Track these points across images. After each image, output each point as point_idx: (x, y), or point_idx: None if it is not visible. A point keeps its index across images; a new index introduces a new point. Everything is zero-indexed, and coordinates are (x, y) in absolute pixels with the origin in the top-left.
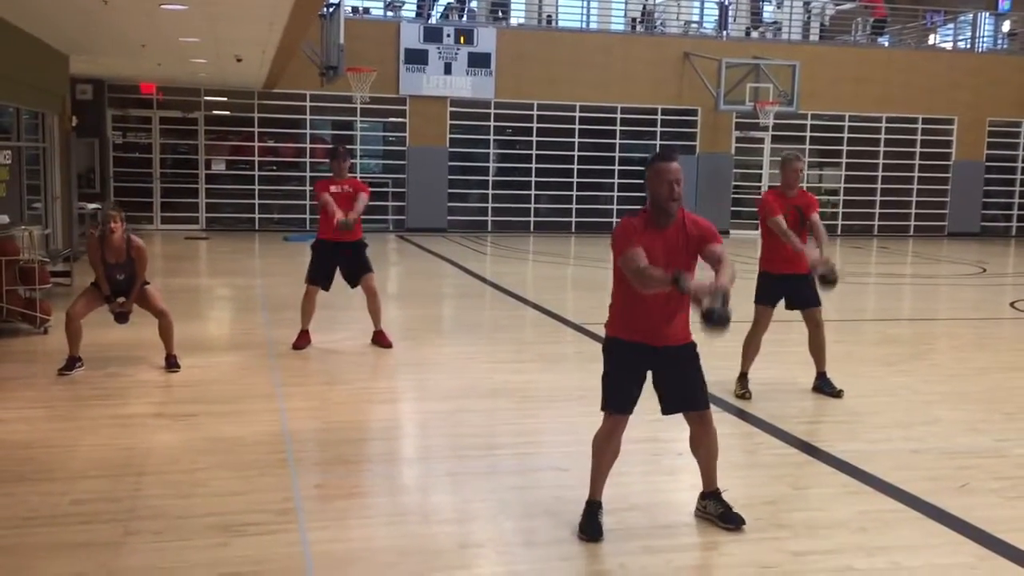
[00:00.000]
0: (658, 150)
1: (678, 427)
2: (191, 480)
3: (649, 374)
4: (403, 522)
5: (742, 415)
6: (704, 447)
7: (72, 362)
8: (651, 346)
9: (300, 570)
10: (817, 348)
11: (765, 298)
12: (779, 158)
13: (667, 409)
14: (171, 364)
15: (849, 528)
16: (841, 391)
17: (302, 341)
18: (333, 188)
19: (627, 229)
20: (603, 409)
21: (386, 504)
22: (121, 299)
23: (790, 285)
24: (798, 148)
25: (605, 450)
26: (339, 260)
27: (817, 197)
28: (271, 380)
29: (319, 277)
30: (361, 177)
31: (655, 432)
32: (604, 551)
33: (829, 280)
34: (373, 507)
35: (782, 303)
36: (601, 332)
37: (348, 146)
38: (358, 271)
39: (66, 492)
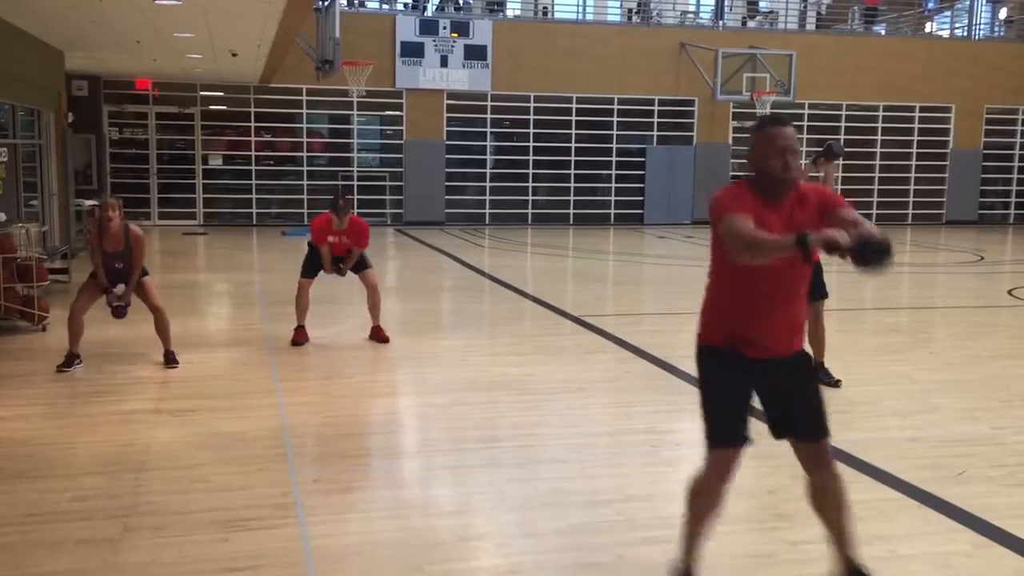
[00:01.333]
0: (767, 114)
1: (677, 417)
2: (190, 476)
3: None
4: (403, 515)
5: None
6: (830, 497)
7: (71, 359)
8: (754, 358)
9: (300, 564)
10: (816, 340)
11: None
12: None
13: (778, 432)
14: (170, 360)
15: None
16: (839, 381)
17: (300, 337)
18: (331, 238)
19: (735, 193)
20: (708, 447)
21: (386, 498)
22: (120, 287)
23: None
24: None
25: (707, 500)
26: (336, 259)
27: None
28: (270, 375)
29: (313, 270)
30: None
31: (654, 423)
32: (603, 542)
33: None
34: (373, 501)
35: None
36: (600, 324)
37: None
38: (357, 268)
39: (66, 489)
